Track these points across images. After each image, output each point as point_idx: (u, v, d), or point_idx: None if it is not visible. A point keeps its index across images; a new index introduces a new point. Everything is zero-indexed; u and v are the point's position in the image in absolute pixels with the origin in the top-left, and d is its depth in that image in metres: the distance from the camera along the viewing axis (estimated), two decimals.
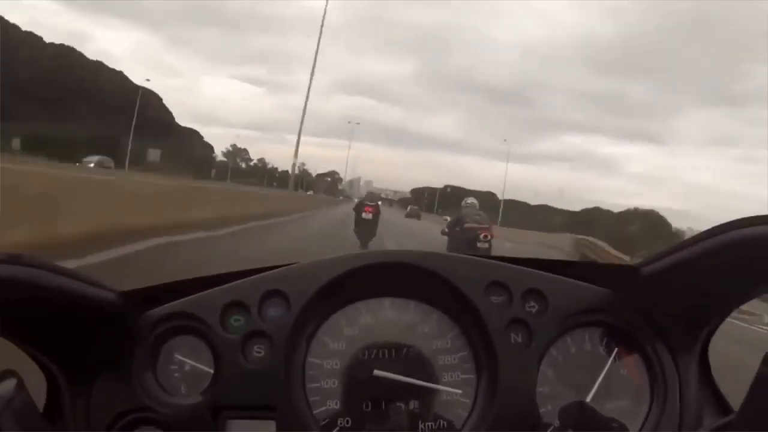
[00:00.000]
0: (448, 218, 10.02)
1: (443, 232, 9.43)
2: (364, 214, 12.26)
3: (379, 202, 13.66)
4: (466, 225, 8.63)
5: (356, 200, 14.47)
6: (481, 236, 8.44)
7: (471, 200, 9.42)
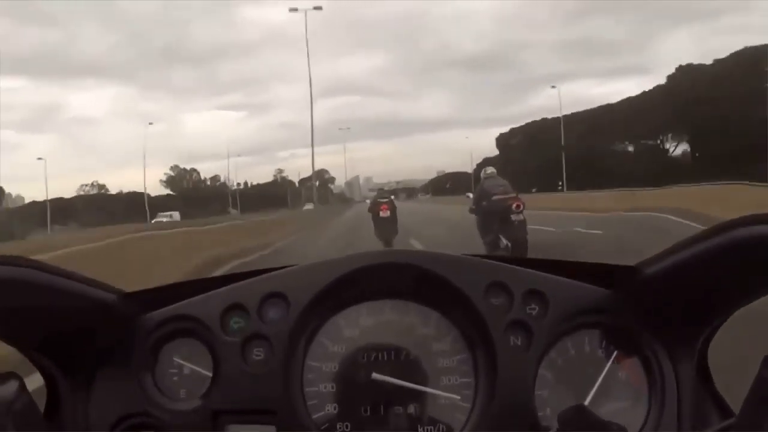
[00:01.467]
0: (471, 195, 9.74)
1: (471, 210, 8.84)
2: (381, 213, 12.04)
3: (392, 197, 13.54)
4: (494, 197, 8.00)
5: (367, 201, 14.29)
6: (513, 207, 7.76)
7: (491, 170, 8.78)
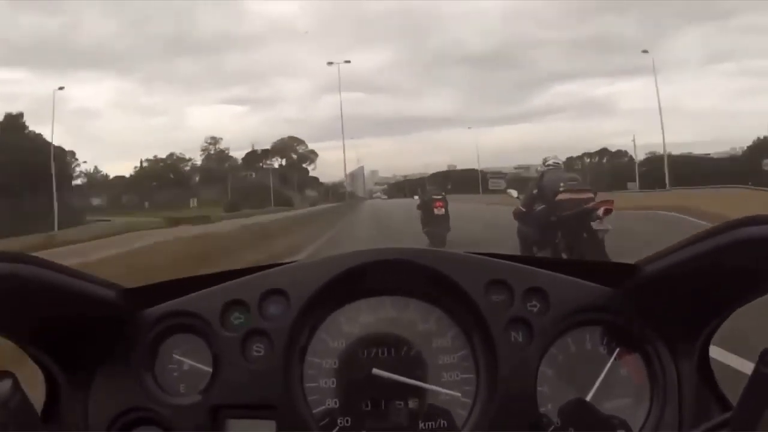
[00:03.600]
0: (513, 192, 7.18)
1: (517, 214, 6.61)
2: (436, 210, 11.34)
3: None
4: (560, 197, 5.56)
5: (415, 198, 13.04)
6: (599, 212, 5.27)
7: (553, 159, 6.34)
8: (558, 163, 6.30)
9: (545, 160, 6.44)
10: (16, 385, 0.52)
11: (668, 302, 0.72)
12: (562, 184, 5.72)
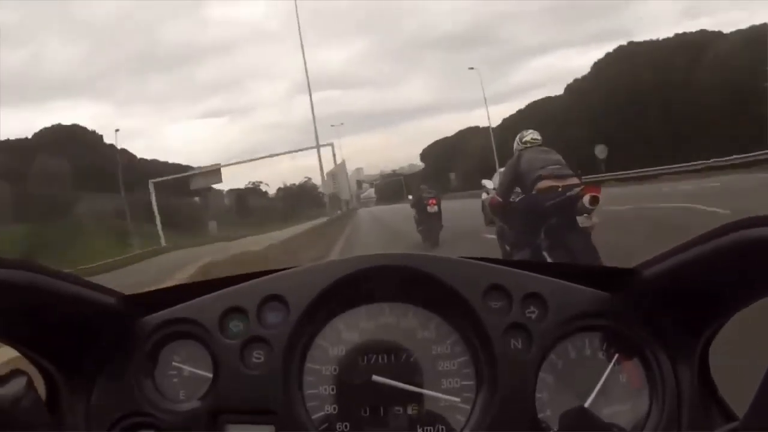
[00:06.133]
0: (487, 183, 6.67)
1: (495, 204, 5.59)
2: (428, 208, 11.63)
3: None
4: (541, 185, 4.48)
5: (410, 198, 13.51)
6: (585, 200, 4.25)
7: (530, 134, 5.03)
8: (537, 140, 4.99)
9: (522, 137, 5.08)
10: (30, 384, 0.53)
11: (667, 307, 0.72)
12: (540, 170, 4.58)
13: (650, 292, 0.73)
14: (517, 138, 5.14)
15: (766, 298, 0.64)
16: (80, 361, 0.70)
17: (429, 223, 11.66)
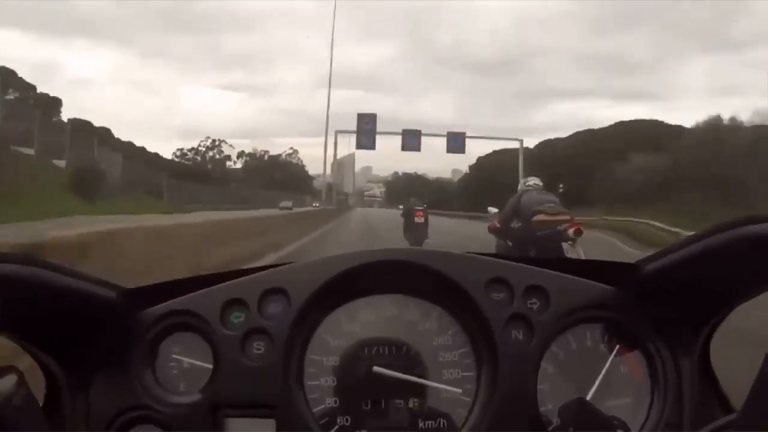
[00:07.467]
0: (493, 209, 7.45)
1: (492, 229, 6.66)
2: (416, 219, 12.96)
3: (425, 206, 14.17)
4: (536, 218, 5.73)
5: (401, 207, 14.99)
6: (570, 232, 5.53)
7: (534, 180, 6.44)
8: (538, 185, 6.33)
9: (525, 181, 6.57)
10: (21, 380, 0.51)
11: (667, 301, 0.73)
12: (538, 207, 5.83)
13: (651, 287, 0.73)
14: (522, 181, 6.63)
15: (762, 293, 0.65)
16: (80, 355, 0.70)
17: (416, 232, 12.91)
